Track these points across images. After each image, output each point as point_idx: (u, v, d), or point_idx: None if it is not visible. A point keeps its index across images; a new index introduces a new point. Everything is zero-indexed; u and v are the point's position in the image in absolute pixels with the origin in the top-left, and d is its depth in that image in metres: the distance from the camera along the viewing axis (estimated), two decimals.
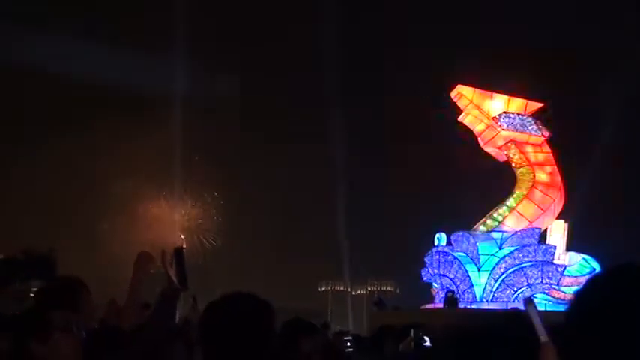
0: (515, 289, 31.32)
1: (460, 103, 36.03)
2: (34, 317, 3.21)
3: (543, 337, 2.28)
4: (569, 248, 34.03)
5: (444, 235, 34.22)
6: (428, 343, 6.44)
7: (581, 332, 1.64)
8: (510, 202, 34.57)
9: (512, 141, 35.04)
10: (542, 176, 34.65)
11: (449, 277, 32.92)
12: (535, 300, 2.78)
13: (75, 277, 4.19)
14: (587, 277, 27.95)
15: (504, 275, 31.47)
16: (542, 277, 31.31)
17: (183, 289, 3.63)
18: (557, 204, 34.55)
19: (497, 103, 35.61)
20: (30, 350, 3.07)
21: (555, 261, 32.16)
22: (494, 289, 31.50)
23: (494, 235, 33.18)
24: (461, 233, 33.71)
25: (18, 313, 3.45)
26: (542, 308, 29.48)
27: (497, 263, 31.70)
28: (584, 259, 33.28)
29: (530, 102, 36.08)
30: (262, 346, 2.80)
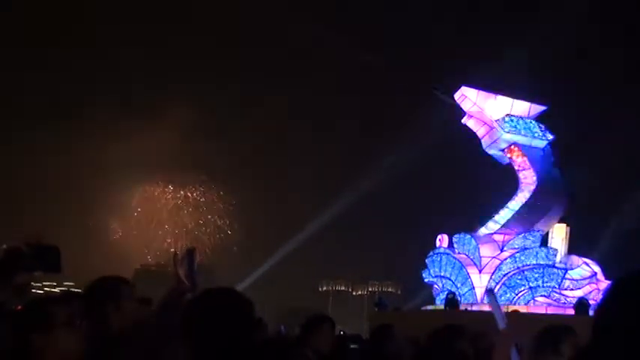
0: (517, 291, 31.28)
1: (464, 105, 35.97)
2: (36, 311, 3.23)
3: (501, 325, 2.33)
4: (570, 251, 34.00)
5: (445, 237, 34.20)
6: None
7: (607, 345, 1.65)
8: (512, 204, 34.52)
9: (514, 144, 34.98)
10: (544, 179, 34.59)
11: (450, 279, 32.89)
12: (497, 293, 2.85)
13: (122, 277, 4.29)
14: (588, 280, 27.80)
15: (505, 277, 31.44)
16: (543, 280, 31.25)
17: (192, 291, 3.68)
18: (559, 207, 34.49)
19: (501, 105, 35.54)
20: (31, 343, 3.09)
21: (556, 264, 32.10)
22: (494, 292, 31.44)
23: (496, 237, 33.14)
24: (462, 235, 33.68)
25: (20, 307, 3.47)
26: (544, 311, 29.50)
27: (499, 266, 31.66)
28: (585, 262, 33.22)
29: (533, 105, 36.04)
30: (241, 339, 2.84)
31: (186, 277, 3.70)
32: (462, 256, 32.92)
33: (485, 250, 32.40)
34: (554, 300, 31.18)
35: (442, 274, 33.39)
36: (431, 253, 34.25)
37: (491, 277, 31.63)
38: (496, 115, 35.17)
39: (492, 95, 35.63)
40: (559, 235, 34.02)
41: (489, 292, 2.48)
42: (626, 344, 1.62)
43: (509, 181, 35.86)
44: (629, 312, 1.66)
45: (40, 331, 3.11)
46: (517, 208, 34.18)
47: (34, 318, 3.18)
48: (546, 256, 31.89)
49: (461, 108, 36.04)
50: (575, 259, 33.46)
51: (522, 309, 29.52)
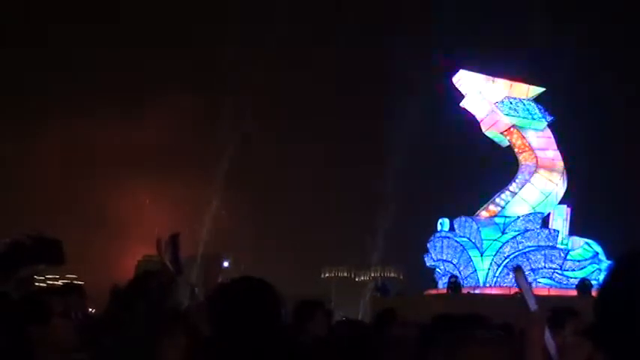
0: None
1: (463, 89, 35.94)
2: (35, 303, 3.25)
3: (532, 305, 2.28)
4: (571, 232, 34.04)
5: (446, 221, 34.23)
6: None
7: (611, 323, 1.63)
8: (513, 187, 34.53)
9: (514, 126, 34.95)
10: (544, 161, 34.58)
11: (452, 263, 32.95)
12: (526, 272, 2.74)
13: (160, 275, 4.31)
14: (589, 261, 27.80)
15: (507, 260, 31.47)
16: (545, 262, 31.30)
17: (177, 275, 3.69)
18: (560, 189, 34.50)
19: (500, 87, 35.49)
20: (30, 333, 3.10)
21: (558, 245, 32.15)
22: (497, 274, 31.51)
23: (497, 220, 33.16)
24: (464, 219, 33.70)
25: (19, 299, 3.48)
26: (546, 293, 29.57)
27: (500, 248, 31.70)
28: (586, 243, 33.27)
29: (532, 86, 35.98)
30: (269, 328, 2.83)
31: (171, 263, 3.70)
32: (463, 239, 32.96)
33: (487, 233, 32.43)
34: (557, 281, 31.25)
35: (444, 257, 33.45)
36: (432, 237, 34.29)
37: (492, 260, 31.70)
38: (495, 98, 35.13)
39: (491, 78, 35.57)
40: (560, 216, 34.06)
41: (517, 269, 2.40)
42: (626, 320, 1.61)
43: (509, 164, 35.87)
44: (629, 290, 1.64)
45: (39, 322, 3.13)
46: (517, 191, 34.21)
47: (33, 309, 3.20)
48: (547, 238, 31.93)
49: (460, 91, 36.06)
50: (577, 240, 33.51)
51: None
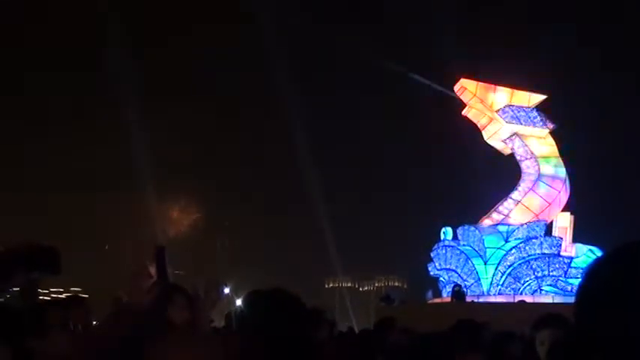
0: (522, 281, 31.28)
1: (464, 97, 35.97)
2: (34, 315, 3.26)
3: None
4: (575, 240, 33.98)
5: (450, 230, 34.21)
6: None
7: (591, 322, 1.63)
8: (515, 195, 34.50)
9: (516, 134, 34.97)
10: (546, 168, 34.57)
11: (456, 271, 32.90)
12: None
13: (176, 285, 4.35)
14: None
15: (511, 268, 31.44)
16: (549, 270, 31.25)
17: (162, 284, 3.77)
18: (563, 196, 34.48)
19: (501, 95, 35.53)
20: (29, 345, 3.11)
21: (562, 253, 32.10)
22: (501, 283, 31.46)
23: (501, 228, 33.13)
24: (467, 227, 33.68)
25: (18, 310, 3.48)
26: (550, 300, 29.51)
27: (504, 256, 31.66)
28: (590, 250, 33.21)
29: (533, 94, 36.00)
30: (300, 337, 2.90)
31: (156, 273, 3.77)
32: (466, 247, 32.92)
33: (490, 241, 32.40)
34: (561, 289, 31.18)
35: (448, 266, 33.41)
36: (436, 246, 34.26)
37: (496, 268, 31.66)
38: (496, 106, 35.16)
39: (492, 86, 35.61)
40: (563, 223, 34.02)
41: None
42: (601, 322, 1.60)
43: (511, 172, 35.87)
44: (604, 289, 1.64)
45: (38, 334, 3.14)
46: (520, 199, 34.18)
47: (32, 321, 3.21)
48: (551, 246, 31.89)
49: (461, 100, 36.09)
50: (580, 247, 33.46)
51: (529, 299, 29.52)
